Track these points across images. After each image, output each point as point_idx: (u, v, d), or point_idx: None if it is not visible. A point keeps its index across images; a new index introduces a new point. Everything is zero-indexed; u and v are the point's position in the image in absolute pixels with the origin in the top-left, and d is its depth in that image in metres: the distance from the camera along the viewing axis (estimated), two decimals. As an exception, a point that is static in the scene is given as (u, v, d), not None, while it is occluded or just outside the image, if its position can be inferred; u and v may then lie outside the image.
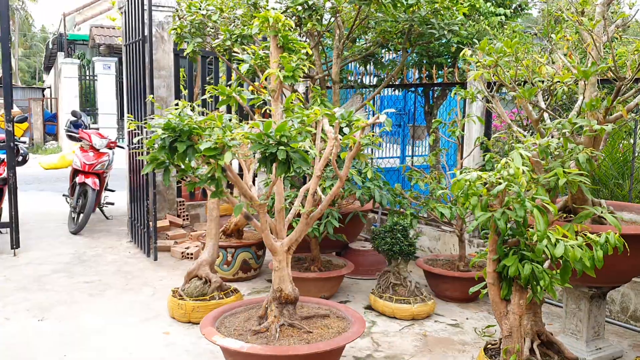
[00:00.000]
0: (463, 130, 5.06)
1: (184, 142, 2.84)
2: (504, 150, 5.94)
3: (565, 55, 3.74)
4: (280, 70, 3.11)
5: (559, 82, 3.36)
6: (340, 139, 2.98)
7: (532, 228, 2.62)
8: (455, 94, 4.82)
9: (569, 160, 3.17)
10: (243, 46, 4.23)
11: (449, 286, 4.72)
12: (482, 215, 2.41)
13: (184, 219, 6.89)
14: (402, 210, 4.84)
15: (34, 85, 32.56)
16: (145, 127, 3.14)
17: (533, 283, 2.55)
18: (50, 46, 23.57)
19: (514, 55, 3.61)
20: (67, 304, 4.66)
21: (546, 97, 3.94)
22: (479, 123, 5.16)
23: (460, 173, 2.47)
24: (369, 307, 4.61)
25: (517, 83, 3.56)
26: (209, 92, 3.20)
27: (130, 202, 6.67)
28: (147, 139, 3.19)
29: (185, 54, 5.09)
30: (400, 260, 4.47)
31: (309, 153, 2.66)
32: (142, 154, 5.06)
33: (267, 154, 2.69)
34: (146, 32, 5.72)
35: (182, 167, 3.02)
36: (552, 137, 3.28)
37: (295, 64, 3.04)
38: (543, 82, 3.51)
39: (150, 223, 5.82)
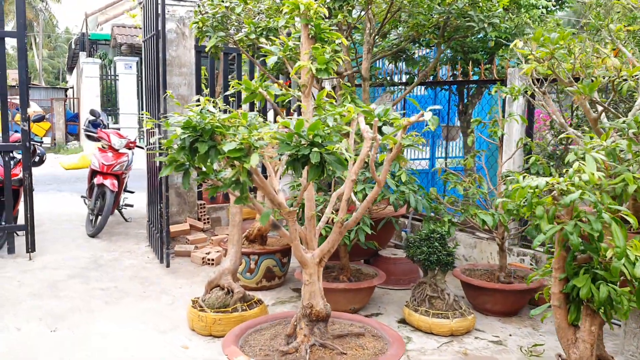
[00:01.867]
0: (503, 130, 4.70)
1: (205, 142, 2.54)
2: (547, 152, 5.57)
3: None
4: (312, 63, 2.80)
5: (624, 76, 3.00)
6: (380, 139, 2.66)
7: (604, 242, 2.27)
8: (496, 91, 4.48)
9: (634, 164, 2.81)
10: (270, 38, 3.93)
11: (489, 299, 4.36)
12: (552, 228, 2.06)
13: (204, 223, 6.62)
14: (438, 216, 4.49)
15: (56, 86, 32.75)
16: (162, 126, 2.87)
17: (607, 307, 2.20)
18: (73, 46, 23.61)
19: (567, 48, 3.27)
20: (81, 312, 4.41)
21: (602, 94, 3.58)
22: (519, 123, 4.80)
23: (525, 179, 2.13)
24: (403, 321, 4.27)
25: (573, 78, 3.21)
26: (233, 87, 2.90)
27: (148, 205, 6.42)
28: (161, 137, 2.91)
29: (207, 49, 4.82)
30: (437, 271, 4.13)
31: (344, 155, 2.35)
32: (158, 154, 4.80)
33: (298, 156, 2.38)
34: (160, 27, 5.45)
35: (204, 169, 2.74)
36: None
37: (329, 56, 2.72)
38: (603, 77, 3.15)
39: (164, 228, 5.53)
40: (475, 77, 5.74)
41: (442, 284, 4.16)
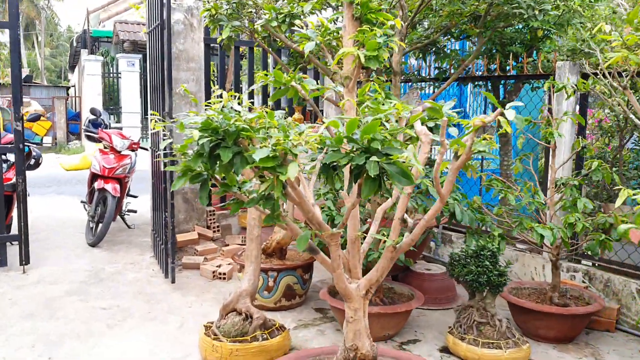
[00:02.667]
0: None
1: (229, 147, 2.02)
2: (597, 154, 5.04)
3: None
4: (359, 49, 2.26)
5: None
6: (447, 144, 2.13)
7: None
8: (549, 86, 3.94)
9: None
10: (294, 25, 3.40)
11: (543, 324, 3.83)
12: None
13: (214, 231, 6.09)
14: (483, 229, 3.96)
15: (58, 84, 32.23)
16: (163, 124, 2.35)
17: None
18: (75, 44, 23.06)
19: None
20: (80, 337, 3.88)
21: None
22: (577, 124, 4.26)
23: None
24: (446, 350, 3.73)
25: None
26: (260, 80, 2.36)
27: (152, 211, 5.88)
28: (170, 140, 2.39)
29: (219, 40, 4.29)
30: (487, 293, 3.60)
31: (415, 166, 1.81)
32: (167, 161, 4.26)
33: (353, 166, 1.85)
34: (165, 16, 4.89)
35: (224, 180, 2.21)
36: None
37: (382, 40, 2.19)
38: None
39: (169, 239, 4.98)
40: (514, 72, 5.20)
41: (491, 308, 3.62)
